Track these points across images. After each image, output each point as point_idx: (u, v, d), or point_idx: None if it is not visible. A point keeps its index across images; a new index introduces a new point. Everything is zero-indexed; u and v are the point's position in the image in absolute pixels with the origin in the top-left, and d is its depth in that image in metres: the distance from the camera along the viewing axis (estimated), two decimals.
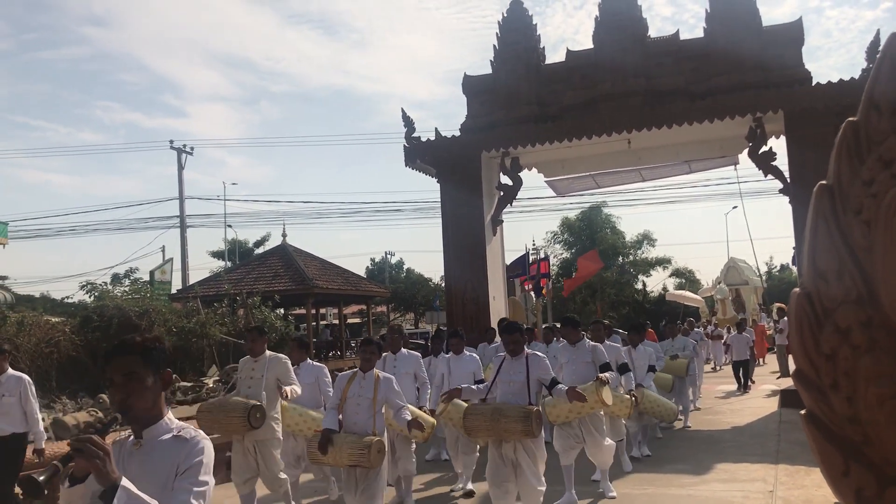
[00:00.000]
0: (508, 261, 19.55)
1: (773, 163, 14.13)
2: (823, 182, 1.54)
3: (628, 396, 8.84)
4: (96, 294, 18.57)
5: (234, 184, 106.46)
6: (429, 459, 10.51)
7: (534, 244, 36.66)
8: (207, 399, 11.38)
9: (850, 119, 1.52)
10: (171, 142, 35.59)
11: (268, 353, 7.39)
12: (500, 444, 6.48)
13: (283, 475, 7.38)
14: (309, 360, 8.36)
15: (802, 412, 1.52)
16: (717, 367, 24.88)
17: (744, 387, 17.95)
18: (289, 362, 7.45)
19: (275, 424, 7.33)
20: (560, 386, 6.66)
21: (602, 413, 8.07)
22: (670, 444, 11.24)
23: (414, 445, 8.31)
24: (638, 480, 8.85)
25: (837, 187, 1.51)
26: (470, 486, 8.68)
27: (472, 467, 8.90)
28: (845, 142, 1.51)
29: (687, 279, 50.12)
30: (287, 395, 7.09)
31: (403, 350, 8.63)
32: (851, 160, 1.50)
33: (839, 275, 1.48)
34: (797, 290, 1.54)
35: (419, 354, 8.89)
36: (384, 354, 8.53)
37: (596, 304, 41.20)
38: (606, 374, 7.84)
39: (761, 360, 24.25)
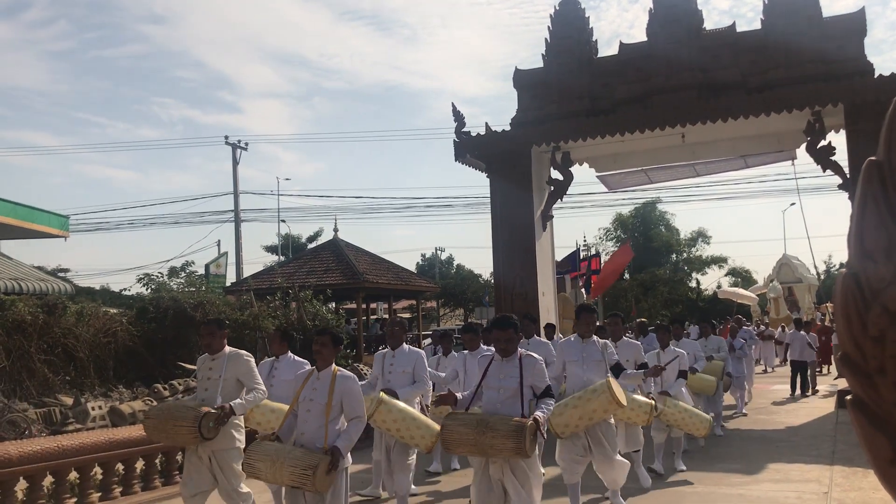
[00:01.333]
0: (558, 257, 19.44)
1: (833, 158, 13.76)
2: (872, 158, 1.47)
3: (647, 401, 7.85)
4: (153, 286, 18.96)
5: (287, 179, 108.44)
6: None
7: (584, 240, 36.46)
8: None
9: None
10: (226, 137, 36.17)
11: (227, 349, 6.41)
12: (485, 462, 5.41)
13: (244, 488, 6.27)
14: (290, 354, 7.57)
15: (848, 398, 1.45)
16: (769, 369, 24.27)
17: (802, 391, 16.57)
18: (251, 360, 6.44)
19: (235, 432, 6.25)
20: (550, 403, 5.52)
21: (613, 421, 7.06)
22: (722, 442, 11.04)
23: (413, 457, 7.53)
24: (688, 478, 8.70)
25: (887, 163, 1.44)
26: None
27: None
28: None
29: (743, 278, 49.25)
30: (224, 418, 6.01)
31: (405, 346, 7.70)
32: None
33: (888, 254, 1.41)
34: (843, 270, 1.47)
35: (422, 352, 7.92)
36: (383, 351, 7.82)
37: (644, 302, 40.63)
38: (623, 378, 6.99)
39: (824, 365, 21.61)
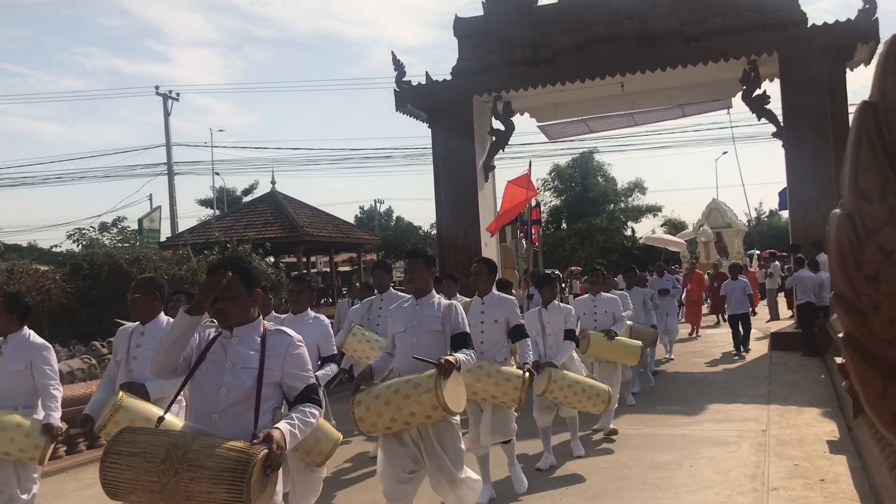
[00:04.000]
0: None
1: (767, 106, 14.06)
2: (866, 99, 1.49)
3: (518, 372, 5.72)
4: (84, 242, 18.42)
5: (220, 130, 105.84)
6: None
7: None
8: None
9: None
10: (157, 88, 35.14)
11: None
12: None
13: None
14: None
15: (840, 335, 1.49)
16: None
17: (742, 348, 14.08)
18: None
19: None
20: (310, 415, 3.16)
21: (465, 408, 4.94)
22: (662, 385, 11.37)
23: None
24: (632, 420, 8.95)
25: (881, 104, 1.46)
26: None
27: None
28: (891, 56, 1.46)
29: (677, 228, 50.32)
30: None
31: (162, 317, 5.24)
32: None
33: (883, 195, 1.44)
34: (837, 210, 1.50)
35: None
36: (130, 326, 5.16)
37: (581, 251, 41.18)
38: (460, 356, 4.54)
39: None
